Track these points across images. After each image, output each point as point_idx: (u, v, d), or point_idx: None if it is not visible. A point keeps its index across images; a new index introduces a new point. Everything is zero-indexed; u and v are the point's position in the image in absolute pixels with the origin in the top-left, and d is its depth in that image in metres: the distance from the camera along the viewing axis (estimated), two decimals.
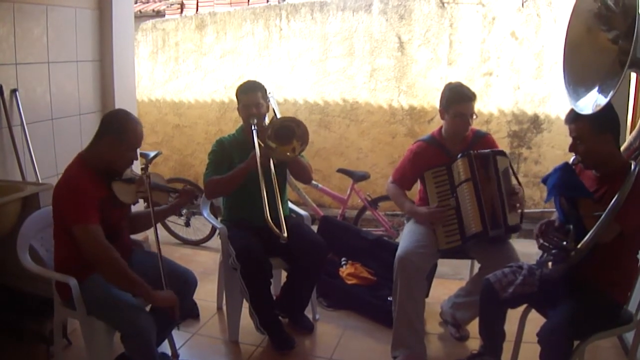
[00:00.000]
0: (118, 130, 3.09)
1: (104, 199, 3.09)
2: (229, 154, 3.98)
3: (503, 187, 3.64)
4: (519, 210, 3.69)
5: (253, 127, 3.83)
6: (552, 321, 2.89)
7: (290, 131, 3.72)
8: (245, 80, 4.18)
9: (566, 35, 3.14)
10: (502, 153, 3.77)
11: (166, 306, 3.04)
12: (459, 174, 3.70)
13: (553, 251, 2.86)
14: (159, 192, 3.42)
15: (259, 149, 3.70)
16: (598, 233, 2.69)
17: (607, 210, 2.69)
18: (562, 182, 2.99)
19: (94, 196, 3.01)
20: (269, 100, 4.14)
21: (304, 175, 4.09)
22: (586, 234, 2.73)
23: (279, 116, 4.03)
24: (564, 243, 2.82)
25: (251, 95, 3.99)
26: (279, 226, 3.54)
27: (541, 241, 2.96)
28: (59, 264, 3.16)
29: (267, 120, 4.07)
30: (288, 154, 3.74)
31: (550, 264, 3.00)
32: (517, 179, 3.83)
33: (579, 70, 3.09)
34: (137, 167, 3.37)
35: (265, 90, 4.11)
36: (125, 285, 3.01)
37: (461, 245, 3.69)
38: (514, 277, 3.15)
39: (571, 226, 2.84)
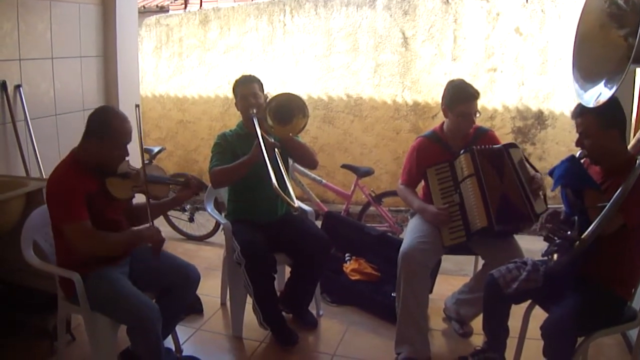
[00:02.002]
0: (102, 131, 3.07)
1: (97, 194, 3.09)
2: (232, 146, 3.98)
3: (523, 178, 3.63)
4: (542, 195, 3.68)
5: (253, 117, 3.81)
6: (556, 315, 2.88)
7: (287, 109, 3.74)
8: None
9: (577, 28, 3.14)
10: (514, 145, 3.77)
11: (152, 240, 3.15)
12: (462, 170, 3.69)
13: (557, 241, 2.85)
14: (157, 185, 3.39)
15: (262, 140, 3.68)
16: (601, 224, 2.69)
17: (610, 202, 2.69)
18: (568, 173, 2.99)
19: (81, 192, 3.01)
20: (267, 94, 4.13)
21: (308, 158, 4.07)
22: (590, 225, 2.73)
23: None
24: (568, 233, 2.82)
25: (248, 86, 3.99)
26: (277, 232, 3.58)
27: (546, 232, 2.95)
28: (61, 259, 3.17)
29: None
30: (291, 134, 3.75)
31: (555, 256, 3.00)
32: (532, 166, 3.81)
33: (589, 64, 3.08)
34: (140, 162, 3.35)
35: (261, 82, 4.10)
36: (123, 251, 3.20)
37: (466, 241, 3.68)
38: (518, 272, 3.15)
39: (576, 217, 2.84)
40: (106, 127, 3.07)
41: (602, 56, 3.03)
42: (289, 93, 3.83)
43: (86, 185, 3.05)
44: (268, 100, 3.81)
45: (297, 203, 3.57)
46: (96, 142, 3.07)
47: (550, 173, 3.17)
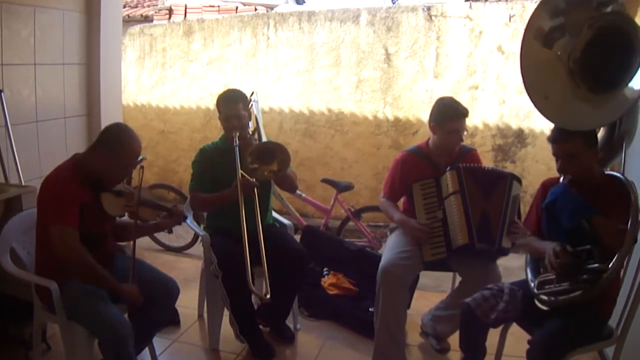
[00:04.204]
0: (113, 147, 3.07)
1: (89, 205, 3.07)
2: (211, 162, 3.99)
3: (509, 211, 3.65)
4: (512, 242, 3.69)
5: (235, 144, 3.82)
6: (539, 339, 2.88)
7: (271, 152, 3.74)
8: (227, 88, 4.17)
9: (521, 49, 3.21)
10: (519, 180, 3.79)
11: (129, 299, 3.11)
12: (447, 187, 3.71)
13: (583, 277, 2.77)
14: (147, 208, 3.39)
15: (241, 179, 3.73)
16: (626, 251, 2.70)
17: (630, 226, 2.69)
18: (579, 205, 2.97)
19: (76, 199, 3.00)
20: (252, 106, 4.11)
21: (289, 185, 4.09)
22: (605, 252, 2.73)
23: (261, 123, 3.97)
24: (596, 265, 2.74)
25: (232, 107, 3.97)
26: (258, 245, 3.63)
27: (564, 270, 2.85)
28: (40, 265, 3.15)
29: (250, 128, 4.06)
30: (266, 173, 3.74)
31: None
32: (519, 213, 3.82)
33: (552, 108, 3.14)
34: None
35: (247, 99, 4.09)
36: (95, 283, 3.06)
37: (446, 257, 3.70)
38: (495, 301, 3.12)
39: (589, 247, 2.79)
40: (120, 144, 3.08)
41: (550, 81, 3.10)
42: (278, 143, 3.82)
43: (81, 195, 3.04)
44: (251, 149, 3.79)
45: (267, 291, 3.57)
46: (105, 156, 3.07)
47: (549, 207, 3.14)
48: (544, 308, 2.94)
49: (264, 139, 3.83)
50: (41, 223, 3.06)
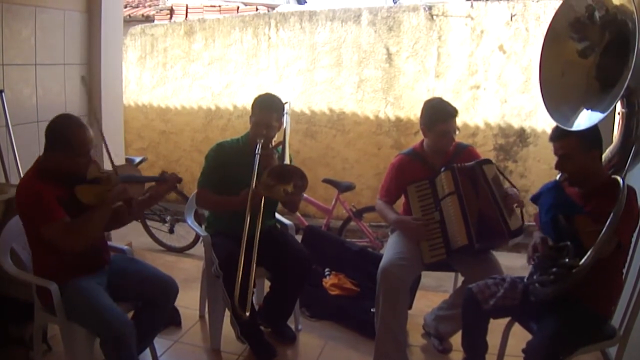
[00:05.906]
0: (61, 142, 3.01)
1: (68, 201, 3.02)
2: (224, 160, 3.95)
3: (497, 195, 3.63)
4: (518, 211, 3.69)
5: (257, 152, 3.76)
6: (538, 338, 2.88)
7: (290, 174, 3.69)
8: (267, 93, 4.09)
9: (541, 52, 3.19)
10: (488, 161, 3.77)
11: (122, 195, 3.11)
12: (442, 188, 3.70)
13: (554, 269, 2.81)
14: (132, 185, 3.27)
15: (252, 191, 3.67)
16: (600, 249, 2.69)
17: (606, 226, 2.68)
18: (559, 200, 3.01)
19: (50, 195, 2.95)
20: (283, 117, 4.05)
21: (293, 207, 4.16)
22: (583, 250, 2.73)
23: (288, 136, 3.89)
24: (566, 260, 2.78)
25: (266, 114, 3.90)
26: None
27: (538, 260, 2.94)
28: (38, 267, 3.13)
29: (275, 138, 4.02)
30: (282, 190, 3.69)
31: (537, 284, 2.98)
32: (508, 180, 3.82)
33: (557, 90, 3.12)
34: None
35: (283, 110, 4.01)
36: (103, 224, 3.09)
37: (446, 258, 3.68)
38: (496, 288, 3.15)
39: (568, 243, 2.82)
40: (66, 139, 3.01)
41: (568, 80, 3.08)
42: (301, 170, 3.73)
43: (55, 191, 2.99)
44: (271, 167, 3.71)
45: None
46: (59, 154, 3.02)
47: (534, 200, 3.18)
48: (532, 298, 2.98)
49: (287, 152, 3.78)
50: (28, 228, 3.04)
